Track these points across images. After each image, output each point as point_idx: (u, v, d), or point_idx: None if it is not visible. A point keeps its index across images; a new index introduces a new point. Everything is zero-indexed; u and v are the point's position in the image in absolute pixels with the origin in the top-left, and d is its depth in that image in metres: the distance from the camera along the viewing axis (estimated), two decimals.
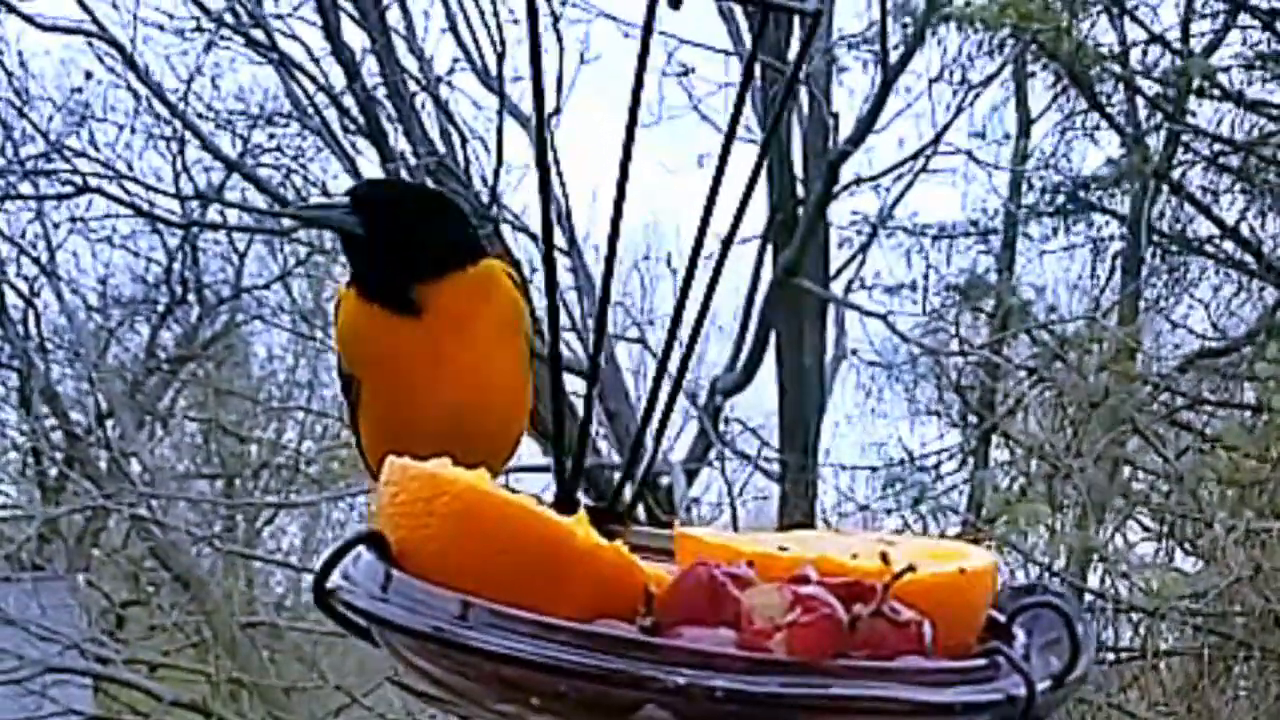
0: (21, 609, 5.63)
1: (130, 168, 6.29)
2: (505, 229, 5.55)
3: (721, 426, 5.81)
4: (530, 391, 1.31)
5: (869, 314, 6.27)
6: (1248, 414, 5.80)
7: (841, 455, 6.42)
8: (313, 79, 5.87)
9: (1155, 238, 6.78)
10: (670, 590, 0.66)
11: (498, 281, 1.30)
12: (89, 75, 6.26)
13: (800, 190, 6.02)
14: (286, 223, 6.33)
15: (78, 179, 6.27)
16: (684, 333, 0.90)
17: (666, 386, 0.92)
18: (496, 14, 5.55)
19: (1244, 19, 6.41)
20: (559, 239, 5.48)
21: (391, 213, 1.27)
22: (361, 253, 1.29)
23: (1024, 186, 6.85)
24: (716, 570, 0.65)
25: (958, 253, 6.89)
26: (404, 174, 5.46)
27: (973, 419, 6.61)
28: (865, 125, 5.65)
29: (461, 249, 1.29)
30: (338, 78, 5.79)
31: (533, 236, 5.55)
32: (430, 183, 5.41)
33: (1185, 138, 6.58)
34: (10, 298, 6.92)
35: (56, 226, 6.78)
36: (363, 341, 1.30)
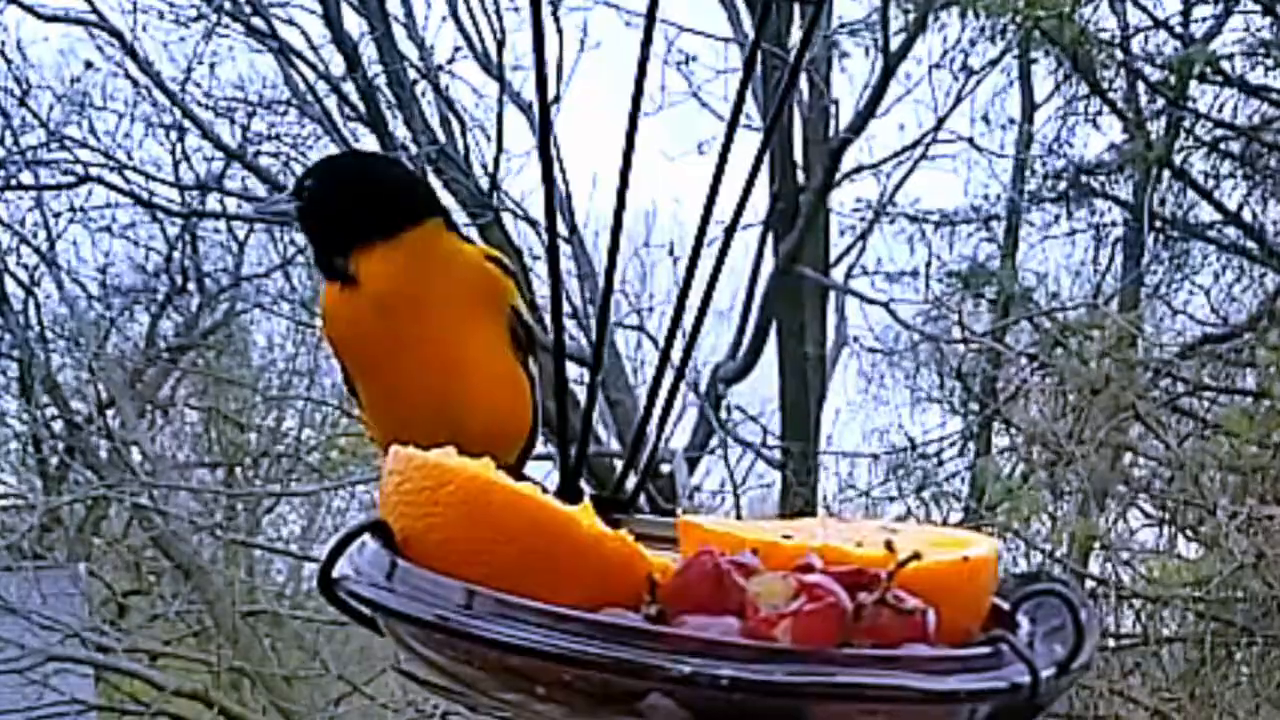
0: (23, 598, 5.64)
1: (130, 157, 6.30)
2: (506, 217, 5.55)
3: (723, 414, 5.82)
4: (528, 382, 1.25)
5: (870, 301, 6.28)
6: (1249, 400, 5.79)
7: (843, 442, 6.43)
8: (313, 67, 5.88)
9: (1157, 223, 6.78)
10: (675, 579, 0.66)
11: (450, 253, 1.22)
12: (89, 64, 6.26)
13: (801, 178, 6.02)
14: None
15: (78, 168, 6.27)
16: (686, 321, 0.90)
17: (669, 375, 0.92)
18: (497, 1, 5.56)
19: (1245, 3, 6.40)
20: (560, 227, 5.47)
21: (320, 184, 1.23)
22: (305, 232, 1.25)
23: (1026, 172, 6.85)
24: (721, 559, 0.65)
25: (959, 239, 6.90)
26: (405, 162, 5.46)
27: (974, 406, 6.60)
28: (866, 112, 5.66)
29: (394, 212, 1.20)
30: (338, 65, 5.80)
31: (533, 224, 5.55)
32: (431, 170, 5.41)
33: (1187, 123, 6.58)
34: (11, 287, 6.93)
35: (57, 216, 6.78)
36: (326, 320, 1.24)
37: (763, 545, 0.68)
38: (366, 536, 0.69)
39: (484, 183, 5.54)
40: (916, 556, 0.65)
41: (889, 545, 0.66)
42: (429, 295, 1.19)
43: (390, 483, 0.70)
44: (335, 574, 0.68)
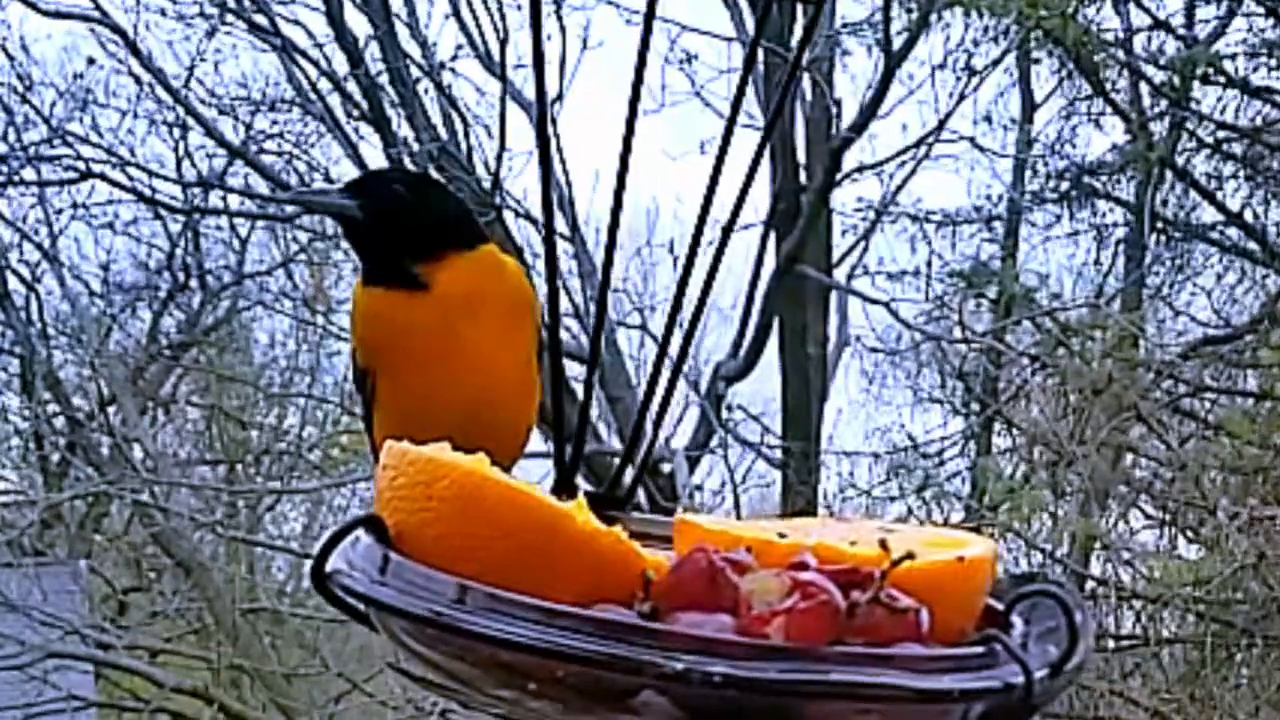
0: (23, 594, 5.64)
1: (133, 153, 6.29)
2: (507, 214, 5.55)
3: (724, 413, 5.82)
4: (540, 386, 1.30)
5: (872, 301, 6.27)
6: (1251, 401, 5.80)
7: (844, 442, 6.42)
8: (315, 64, 5.87)
9: (1159, 224, 6.78)
10: (669, 576, 0.65)
11: (504, 265, 1.30)
12: (91, 61, 6.26)
13: (803, 177, 6.02)
14: (289, 209, 6.33)
15: (80, 165, 6.27)
16: (685, 318, 0.90)
17: (667, 372, 0.92)
18: (499, 0, 5.55)
19: (1248, 4, 6.40)
20: (560, 224, 5.48)
21: (388, 196, 1.28)
22: (361, 238, 1.29)
23: (1028, 173, 6.84)
24: (715, 556, 0.65)
25: (961, 239, 6.90)
26: (406, 160, 5.46)
27: (975, 406, 6.60)
28: (868, 112, 5.65)
29: (461, 231, 1.29)
30: (340, 63, 5.79)
31: (534, 222, 5.55)
32: (433, 168, 5.41)
33: (1189, 124, 6.57)
34: (13, 283, 6.93)
35: (59, 212, 6.77)
36: (374, 323, 1.29)
37: (757, 543, 0.68)
38: (360, 531, 0.69)
39: (486, 181, 5.54)
40: (910, 555, 0.65)
41: (883, 544, 0.66)
42: (489, 302, 1.27)
43: (384, 478, 0.70)
44: (328, 568, 0.68)
